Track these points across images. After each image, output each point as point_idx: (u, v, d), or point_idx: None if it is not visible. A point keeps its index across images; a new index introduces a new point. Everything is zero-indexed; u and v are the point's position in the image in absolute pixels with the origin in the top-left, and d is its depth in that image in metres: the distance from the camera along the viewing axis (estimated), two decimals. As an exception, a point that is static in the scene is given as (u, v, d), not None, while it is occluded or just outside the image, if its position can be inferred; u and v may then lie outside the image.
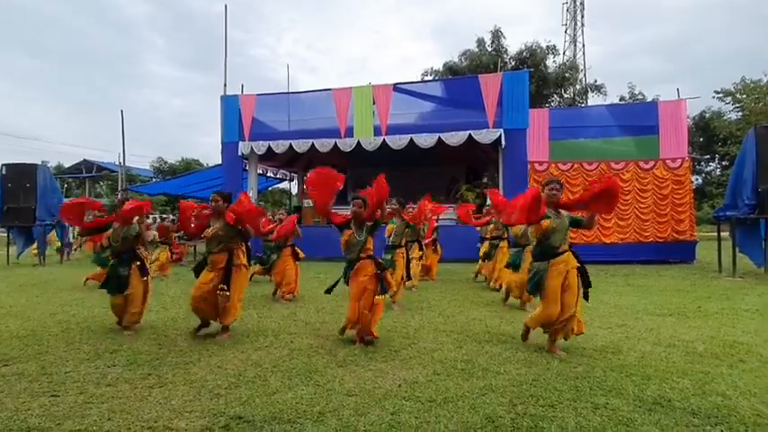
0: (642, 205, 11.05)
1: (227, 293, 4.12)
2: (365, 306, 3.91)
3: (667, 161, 11.06)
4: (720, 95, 26.83)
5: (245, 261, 4.31)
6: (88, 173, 39.96)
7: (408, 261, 5.63)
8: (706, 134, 28.38)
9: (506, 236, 6.70)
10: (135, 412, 2.58)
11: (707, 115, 28.21)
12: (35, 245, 12.29)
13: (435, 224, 8.01)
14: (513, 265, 5.33)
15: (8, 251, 12.29)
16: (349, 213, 4.07)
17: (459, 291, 7.13)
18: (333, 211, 4.03)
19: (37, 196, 11.52)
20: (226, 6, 13.74)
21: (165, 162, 39.43)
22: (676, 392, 2.82)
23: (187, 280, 8.73)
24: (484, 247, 7.76)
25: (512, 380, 3.07)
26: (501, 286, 6.40)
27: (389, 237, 5.65)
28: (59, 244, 13.49)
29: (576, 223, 3.68)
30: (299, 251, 6.43)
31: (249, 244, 4.48)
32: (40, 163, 12.32)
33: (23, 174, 11.50)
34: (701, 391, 2.83)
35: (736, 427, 2.35)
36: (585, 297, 3.66)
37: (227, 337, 4.18)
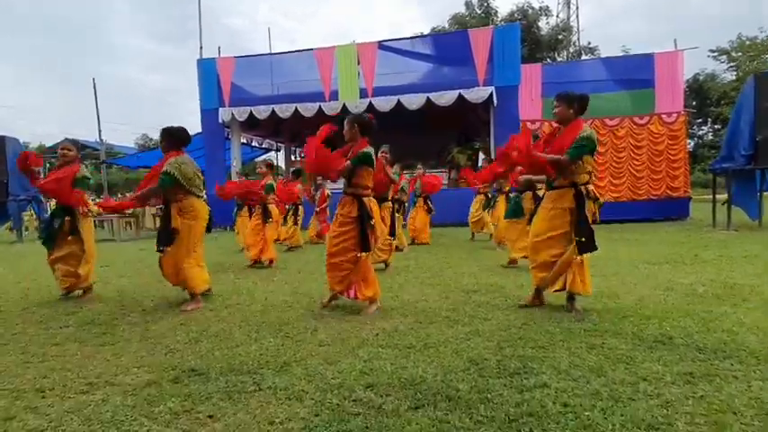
0: (637, 162, 10.77)
1: (167, 250, 3.52)
2: (345, 257, 3.24)
3: (663, 116, 10.70)
4: (716, 54, 26.30)
5: (190, 211, 3.52)
6: (70, 152, 38.89)
7: (393, 217, 5.32)
8: (699, 97, 27.93)
9: (504, 189, 6.36)
10: (77, 370, 2.29)
11: (701, 78, 27.70)
12: (10, 221, 11.84)
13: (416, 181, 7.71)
14: (514, 212, 4.96)
15: (-17, 229, 11.83)
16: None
17: (448, 250, 6.88)
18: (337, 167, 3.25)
19: (7, 170, 10.96)
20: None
21: (151, 139, 38.55)
22: (678, 330, 2.58)
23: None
24: (477, 202, 7.59)
25: (499, 324, 2.82)
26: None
27: None
28: (37, 221, 13.03)
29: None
30: (273, 211, 5.99)
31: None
32: (7, 136, 11.63)
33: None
34: (704, 329, 2.60)
35: (747, 360, 2.12)
36: (580, 249, 2.95)
37: (194, 307, 3.50)
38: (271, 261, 5.75)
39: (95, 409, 1.84)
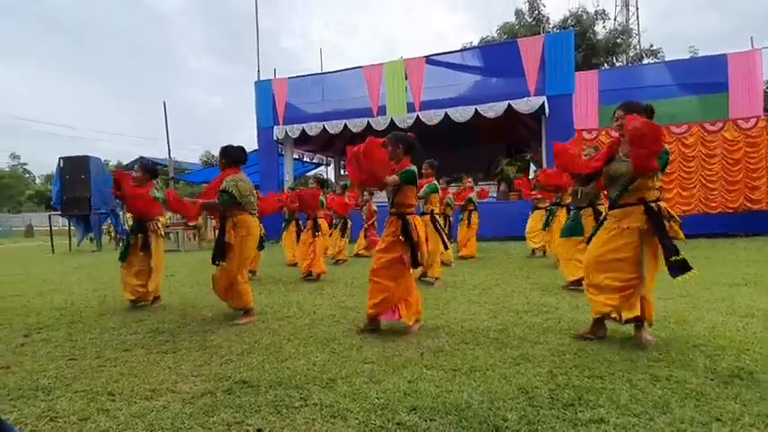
0: (709, 172, 9.89)
1: (222, 265, 3.67)
2: (383, 277, 3.19)
3: (739, 121, 9.78)
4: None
5: (242, 232, 3.67)
6: (144, 169, 42.73)
7: (438, 230, 5.22)
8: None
9: (564, 202, 5.81)
10: (142, 375, 2.48)
11: (786, 75, 25.01)
12: (92, 233, 13.13)
13: (471, 194, 7.55)
14: (572, 230, 4.59)
15: (70, 239, 13.22)
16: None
17: (497, 265, 6.69)
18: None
19: (91, 186, 12.23)
20: (256, -9, 13.77)
21: (213, 155, 41.37)
22: (760, 364, 2.32)
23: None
24: (536, 217, 7.29)
25: (552, 350, 2.68)
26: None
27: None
28: (114, 232, 14.35)
29: None
30: (323, 225, 6.16)
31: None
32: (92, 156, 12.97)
33: (78, 165, 12.23)
34: (792, 364, 2.31)
35: None
36: (672, 271, 2.58)
37: (247, 321, 3.64)
38: (319, 274, 5.89)
39: (157, 415, 1.98)
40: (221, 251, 3.67)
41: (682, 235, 2.70)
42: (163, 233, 4.71)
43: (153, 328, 3.54)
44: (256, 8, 14.01)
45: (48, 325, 3.76)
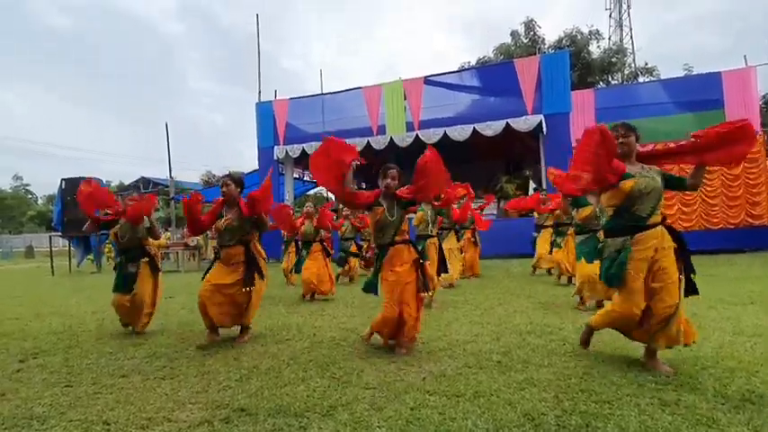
0: (709, 188, 9.91)
1: (250, 290, 3.71)
2: (407, 303, 3.18)
3: (736, 138, 9.85)
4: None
5: (263, 254, 3.94)
6: (146, 188, 43.00)
7: (442, 252, 5.19)
8: (779, 114, 25.43)
9: (574, 222, 5.53)
10: (139, 403, 2.42)
11: (779, 92, 25.32)
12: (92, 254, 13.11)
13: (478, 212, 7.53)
14: (587, 254, 4.45)
15: (70, 260, 13.17)
16: (378, 189, 3.40)
17: (498, 284, 6.63)
18: (353, 191, 3.40)
19: (92, 207, 12.24)
20: (258, 15, 14.12)
21: (214, 175, 41.64)
22: (771, 388, 2.26)
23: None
24: (543, 238, 7.21)
25: (557, 373, 2.62)
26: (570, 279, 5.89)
27: (419, 225, 5.28)
28: (114, 254, 14.31)
29: (675, 183, 2.71)
30: (329, 248, 6.20)
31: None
32: (94, 178, 13.05)
33: (79, 187, 12.28)
34: (804, 387, 2.25)
35: None
36: (688, 290, 2.63)
37: (248, 338, 3.79)
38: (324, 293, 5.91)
39: (153, 446, 1.92)
40: (259, 271, 3.80)
41: None
42: (162, 251, 4.72)
43: (150, 353, 3.48)
44: (258, 31, 14.32)
45: (44, 350, 3.71)
